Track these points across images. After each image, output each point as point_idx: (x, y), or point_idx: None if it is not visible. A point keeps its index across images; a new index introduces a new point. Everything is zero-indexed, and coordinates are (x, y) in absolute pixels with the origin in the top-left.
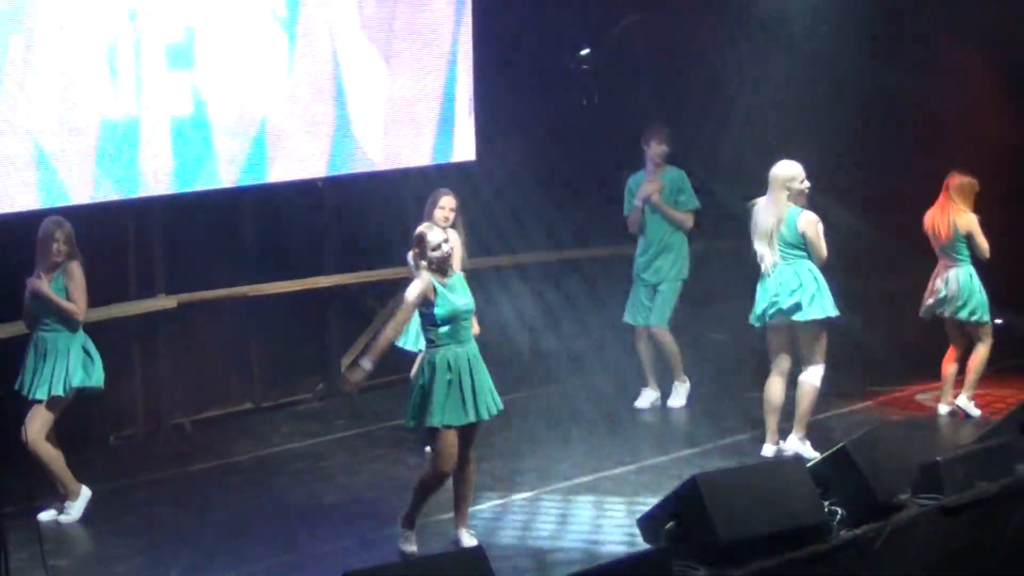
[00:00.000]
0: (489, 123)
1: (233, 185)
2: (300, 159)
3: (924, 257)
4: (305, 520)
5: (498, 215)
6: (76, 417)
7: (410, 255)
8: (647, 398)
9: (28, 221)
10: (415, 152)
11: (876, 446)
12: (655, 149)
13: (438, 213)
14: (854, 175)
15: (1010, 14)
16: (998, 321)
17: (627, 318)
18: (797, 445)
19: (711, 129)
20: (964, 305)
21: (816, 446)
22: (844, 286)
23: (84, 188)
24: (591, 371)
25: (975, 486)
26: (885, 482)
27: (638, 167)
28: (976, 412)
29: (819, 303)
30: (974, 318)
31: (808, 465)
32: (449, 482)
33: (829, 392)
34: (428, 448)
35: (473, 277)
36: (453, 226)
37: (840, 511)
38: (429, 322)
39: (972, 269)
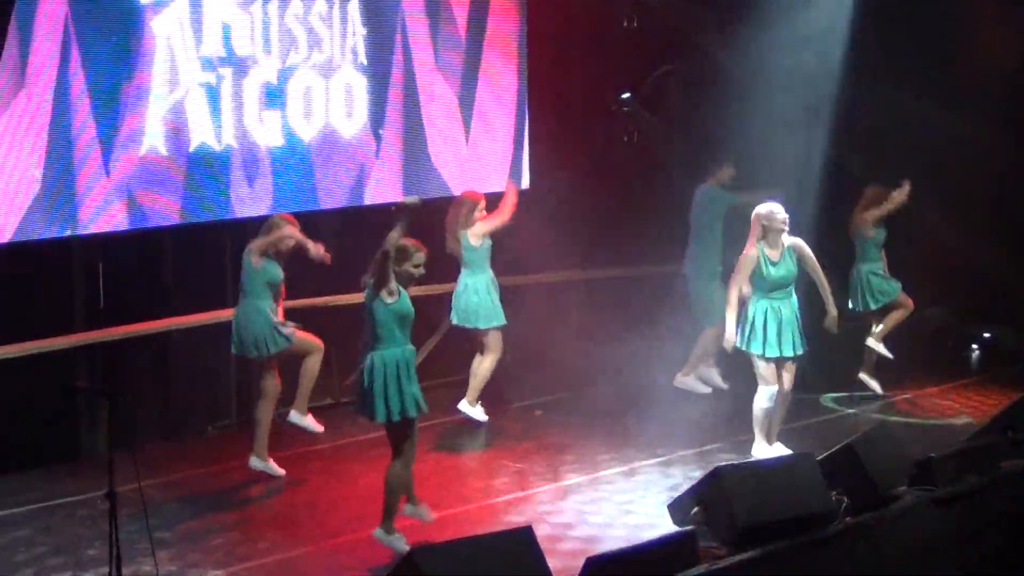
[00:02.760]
0: (541, 156)
1: (331, 207)
2: (385, 185)
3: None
4: (375, 500)
5: (546, 237)
6: (179, 410)
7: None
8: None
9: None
10: (494, 180)
11: (877, 443)
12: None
13: (479, 214)
14: None
15: None
16: (986, 335)
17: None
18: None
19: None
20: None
21: (826, 443)
22: None
23: (173, 211)
24: (627, 374)
25: (964, 480)
26: (885, 475)
27: (674, 194)
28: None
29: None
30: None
31: (818, 459)
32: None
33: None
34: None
35: (523, 291)
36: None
37: (845, 500)
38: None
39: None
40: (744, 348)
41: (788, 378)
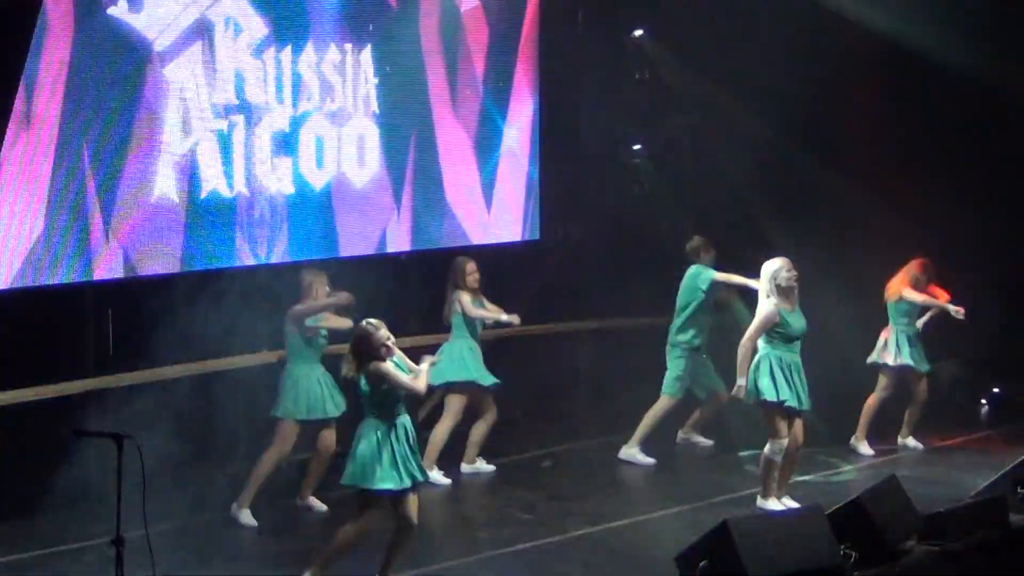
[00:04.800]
0: (553, 206)
1: (353, 255)
2: (402, 233)
3: None
4: (380, 549)
5: (557, 287)
6: (190, 453)
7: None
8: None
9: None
10: (510, 230)
11: (886, 497)
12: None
13: (471, 279)
14: None
15: None
16: (995, 390)
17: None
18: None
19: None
20: None
21: (835, 497)
22: None
23: (181, 258)
24: (636, 425)
25: (974, 534)
26: (894, 529)
27: (684, 245)
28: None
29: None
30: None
31: (827, 513)
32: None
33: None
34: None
35: (533, 340)
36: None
37: (854, 554)
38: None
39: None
40: (762, 399)
41: (799, 432)
